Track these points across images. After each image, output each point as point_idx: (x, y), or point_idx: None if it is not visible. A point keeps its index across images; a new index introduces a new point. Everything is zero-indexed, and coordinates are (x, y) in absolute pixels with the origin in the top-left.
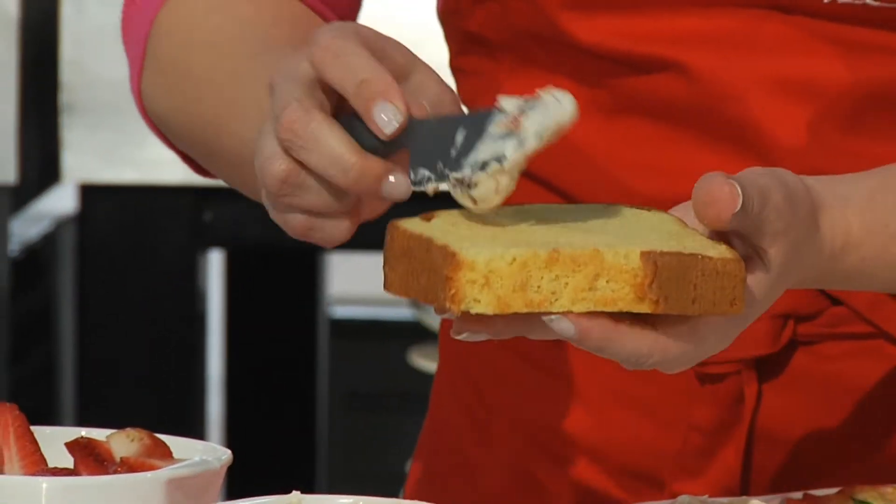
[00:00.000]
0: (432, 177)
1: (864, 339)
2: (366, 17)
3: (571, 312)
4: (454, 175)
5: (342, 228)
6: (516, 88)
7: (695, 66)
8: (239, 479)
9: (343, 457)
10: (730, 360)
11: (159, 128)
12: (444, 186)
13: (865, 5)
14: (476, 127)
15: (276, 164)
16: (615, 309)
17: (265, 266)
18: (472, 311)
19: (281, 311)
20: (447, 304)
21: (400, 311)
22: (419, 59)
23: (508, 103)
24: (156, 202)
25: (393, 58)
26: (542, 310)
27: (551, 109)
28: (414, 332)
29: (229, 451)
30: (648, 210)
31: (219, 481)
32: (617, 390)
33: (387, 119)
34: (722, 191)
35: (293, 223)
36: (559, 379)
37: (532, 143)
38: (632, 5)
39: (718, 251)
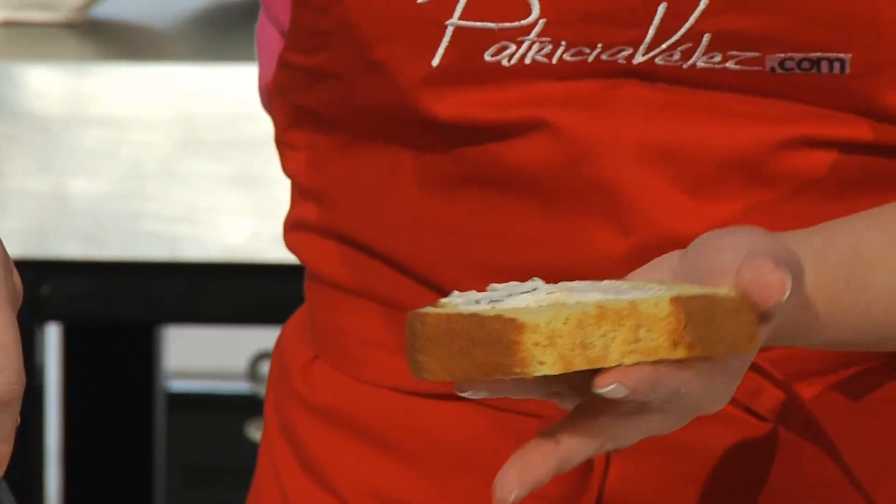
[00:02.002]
0: None
1: None
2: (185, 91)
3: (622, 366)
4: None
5: None
6: (348, 163)
7: (556, 125)
8: None
9: None
10: None
11: None
12: None
13: (725, 70)
14: None
15: None
16: (656, 357)
17: (102, 340)
18: (538, 374)
19: (118, 384)
20: (516, 370)
21: (237, 385)
22: None
23: None
24: None
25: None
26: (599, 365)
27: None
28: (251, 406)
29: None
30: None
31: None
32: (458, 458)
33: None
34: (774, 277)
35: None
36: (395, 450)
37: None
38: (490, 79)
39: (726, 292)
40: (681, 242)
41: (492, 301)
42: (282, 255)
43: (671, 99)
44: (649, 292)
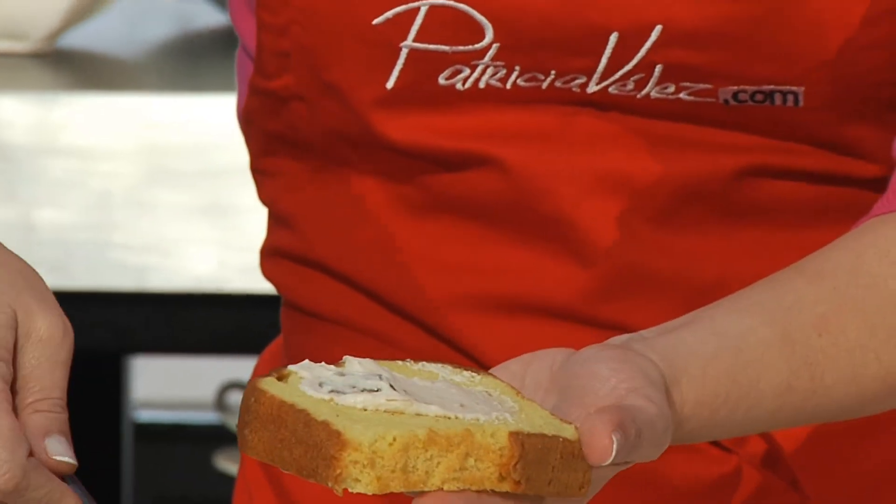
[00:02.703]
0: None
1: None
2: (153, 121)
3: (442, 494)
4: None
5: None
6: (319, 189)
7: (509, 161)
8: None
9: None
10: None
11: None
12: None
13: (679, 100)
14: None
15: None
16: (480, 487)
17: (69, 369)
18: (352, 491)
19: (86, 414)
20: (329, 483)
21: (205, 415)
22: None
23: None
24: None
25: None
26: (417, 489)
27: None
28: (219, 436)
29: None
30: (479, 375)
31: None
32: None
33: None
34: (603, 442)
35: None
36: None
37: None
38: (445, 103)
39: (573, 433)
40: (642, 273)
41: (333, 391)
42: (249, 285)
43: (626, 129)
44: (492, 414)
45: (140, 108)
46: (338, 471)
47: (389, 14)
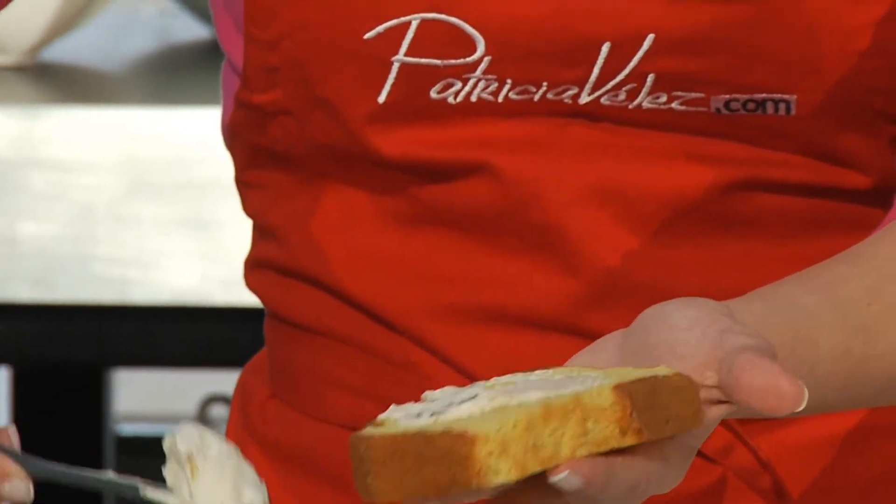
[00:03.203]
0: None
1: None
2: (135, 134)
3: (574, 460)
4: None
5: None
6: (306, 201)
7: (499, 169)
8: None
9: None
10: None
11: None
12: None
13: (671, 110)
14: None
15: None
16: (606, 448)
17: (52, 383)
18: (496, 483)
19: (68, 427)
20: (473, 483)
21: None
22: None
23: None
24: None
25: None
26: (552, 464)
27: None
28: None
29: None
30: (551, 369)
31: None
32: None
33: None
34: (792, 389)
35: None
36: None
37: None
38: (436, 117)
39: (667, 370)
40: (631, 283)
41: (433, 413)
42: (231, 298)
43: (617, 140)
44: (587, 382)
45: (122, 122)
46: (476, 467)
47: (381, 28)
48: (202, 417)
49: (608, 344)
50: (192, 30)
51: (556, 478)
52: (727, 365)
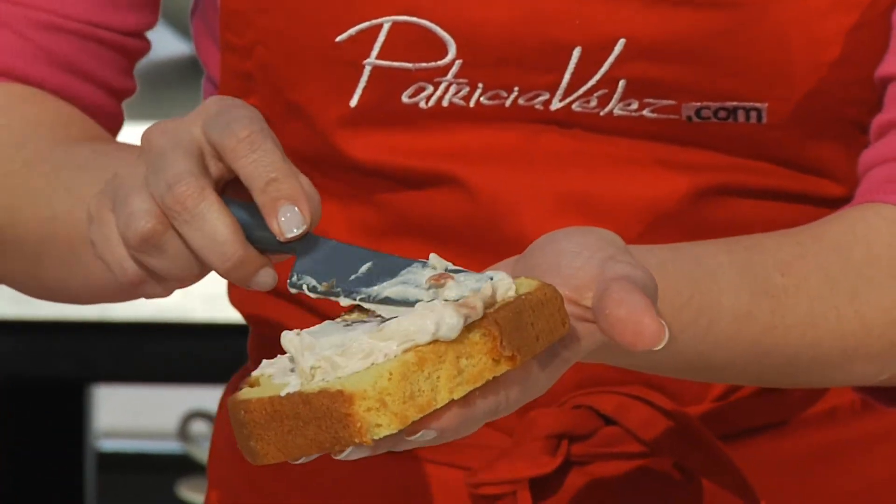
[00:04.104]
0: (317, 286)
1: (636, 459)
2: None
3: (453, 402)
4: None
5: (169, 290)
6: None
7: (471, 181)
8: None
9: None
10: (504, 481)
11: None
12: (344, 301)
13: (642, 117)
14: (386, 266)
15: (143, 221)
16: (482, 381)
17: (33, 399)
18: (377, 437)
19: (49, 443)
20: (356, 440)
21: (167, 444)
22: None
23: (438, 262)
24: None
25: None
26: (431, 409)
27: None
28: (182, 465)
29: None
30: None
31: None
32: None
33: (291, 226)
34: (652, 326)
35: (129, 271)
36: (333, 500)
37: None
38: (408, 122)
39: (527, 285)
40: None
41: (312, 368)
42: (212, 314)
43: (589, 148)
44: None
45: None
46: (357, 424)
47: (353, 31)
48: (183, 434)
49: (501, 268)
50: (171, 46)
51: (412, 437)
52: (600, 289)
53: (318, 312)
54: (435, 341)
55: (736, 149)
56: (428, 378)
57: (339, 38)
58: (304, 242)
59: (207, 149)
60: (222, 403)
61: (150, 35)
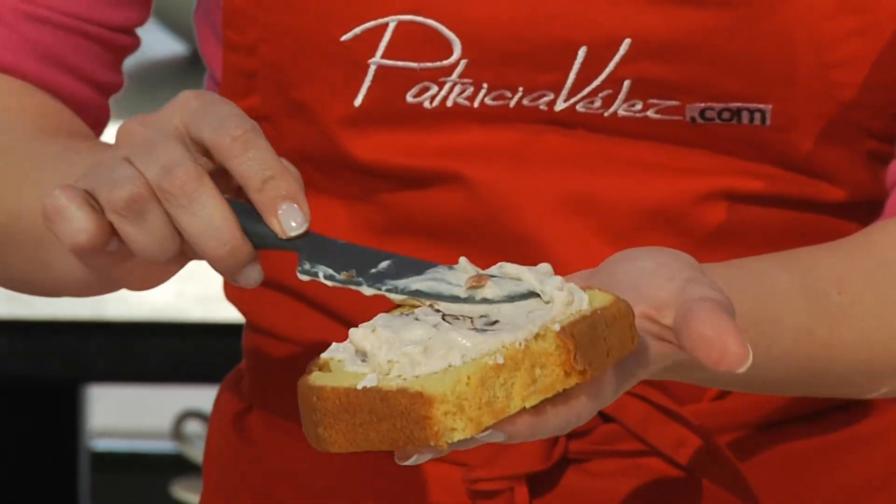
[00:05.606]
0: (335, 275)
1: (634, 457)
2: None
3: (525, 410)
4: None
5: (131, 278)
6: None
7: (474, 179)
8: None
9: None
10: (501, 477)
11: None
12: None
13: (646, 118)
14: (408, 265)
15: (130, 184)
16: (553, 393)
17: (27, 399)
18: (452, 441)
19: (43, 443)
20: (431, 442)
21: (162, 444)
22: None
23: (468, 265)
24: None
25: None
26: (504, 415)
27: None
28: (176, 465)
29: None
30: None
31: None
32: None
33: (293, 223)
34: (739, 350)
35: (91, 230)
36: (334, 499)
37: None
38: (412, 122)
39: (601, 299)
40: None
41: (389, 361)
42: (206, 314)
43: (592, 149)
44: (527, 324)
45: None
46: (434, 427)
47: (358, 30)
48: (177, 433)
49: (574, 281)
50: (168, 46)
51: (481, 435)
52: (684, 308)
53: (318, 307)
54: (522, 346)
55: (739, 151)
56: (503, 385)
57: (344, 38)
58: (308, 240)
59: (188, 142)
60: (216, 403)
61: (146, 35)
